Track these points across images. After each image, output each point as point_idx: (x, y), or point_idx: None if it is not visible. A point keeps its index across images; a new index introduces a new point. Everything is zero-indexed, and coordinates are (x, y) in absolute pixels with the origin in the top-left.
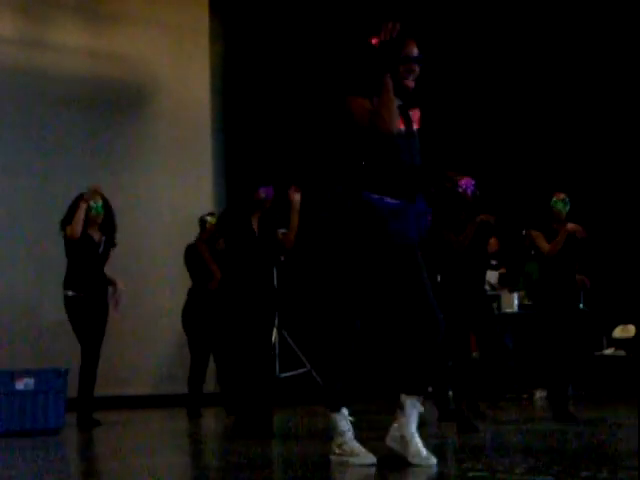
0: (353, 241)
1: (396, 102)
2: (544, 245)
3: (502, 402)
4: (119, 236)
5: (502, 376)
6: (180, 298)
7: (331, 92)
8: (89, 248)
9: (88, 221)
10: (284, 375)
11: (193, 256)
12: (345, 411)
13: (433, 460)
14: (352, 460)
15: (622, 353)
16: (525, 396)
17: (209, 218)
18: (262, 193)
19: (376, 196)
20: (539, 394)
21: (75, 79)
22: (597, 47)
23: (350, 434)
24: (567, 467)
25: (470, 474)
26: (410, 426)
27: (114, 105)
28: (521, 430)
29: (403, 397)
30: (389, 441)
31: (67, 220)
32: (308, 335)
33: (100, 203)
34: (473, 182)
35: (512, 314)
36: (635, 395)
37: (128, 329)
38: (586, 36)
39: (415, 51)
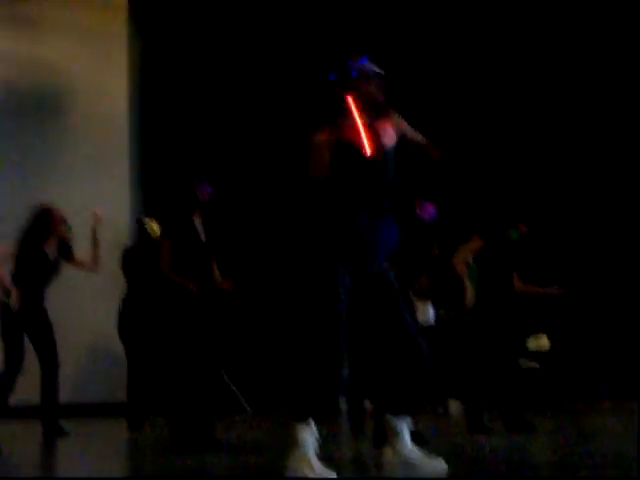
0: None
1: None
2: (463, 254)
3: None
4: None
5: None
6: (94, 303)
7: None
8: (41, 263)
9: (49, 234)
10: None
11: (131, 261)
12: (313, 424)
13: (442, 463)
14: (310, 475)
15: (535, 365)
16: (441, 408)
17: (153, 225)
18: (200, 190)
19: (352, 214)
20: (453, 405)
21: None
22: (589, 53)
23: (312, 449)
24: (476, 477)
25: None
26: (406, 443)
27: (30, 110)
28: (434, 443)
29: (392, 419)
30: (389, 463)
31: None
32: (290, 340)
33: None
34: (434, 208)
35: (427, 326)
36: (548, 406)
37: None
38: (579, 41)
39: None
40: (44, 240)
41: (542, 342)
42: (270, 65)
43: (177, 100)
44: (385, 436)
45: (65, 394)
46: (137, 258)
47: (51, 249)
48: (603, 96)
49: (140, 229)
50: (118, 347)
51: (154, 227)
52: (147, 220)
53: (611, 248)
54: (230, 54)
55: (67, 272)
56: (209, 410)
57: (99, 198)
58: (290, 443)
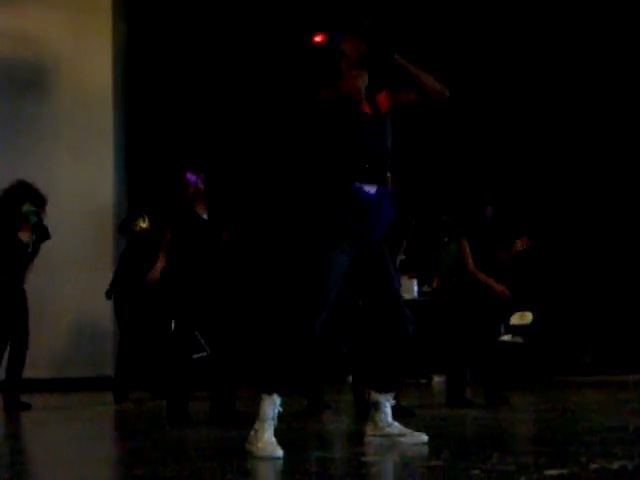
0: (334, 232)
1: (362, 88)
2: (469, 262)
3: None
4: None
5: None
6: (79, 282)
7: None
8: (17, 251)
9: (20, 224)
10: (196, 356)
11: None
12: (277, 398)
13: (424, 436)
14: (258, 452)
15: (519, 340)
16: (424, 381)
17: (142, 224)
18: (190, 180)
19: (356, 185)
20: (437, 379)
21: None
22: (589, 53)
23: (270, 423)
24: (457, 452)
25: (362, 459)
26: (388, 418)
27: (15, 84)
28: (418, 415)
29: (376, 395)
30: (371, 440)
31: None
32: (264, 317)
33: (32, 209)
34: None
35: (411, 300)
36: (532, 381)
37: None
38: (579, 41)
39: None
40: (18, 228)
41: (525, 317)
42: (255, 48)
43: (162, 82)
44: (367, 408)
45: (49, 369)
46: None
47: (25, 234)
48: (603, 96)
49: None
50: (101, 323)
51: (140, 223)
52: (142, 224)
53: (597, 225)
54: (216, 35)
55: (51, 250)
56: (226, 384)
57: (83, 180)
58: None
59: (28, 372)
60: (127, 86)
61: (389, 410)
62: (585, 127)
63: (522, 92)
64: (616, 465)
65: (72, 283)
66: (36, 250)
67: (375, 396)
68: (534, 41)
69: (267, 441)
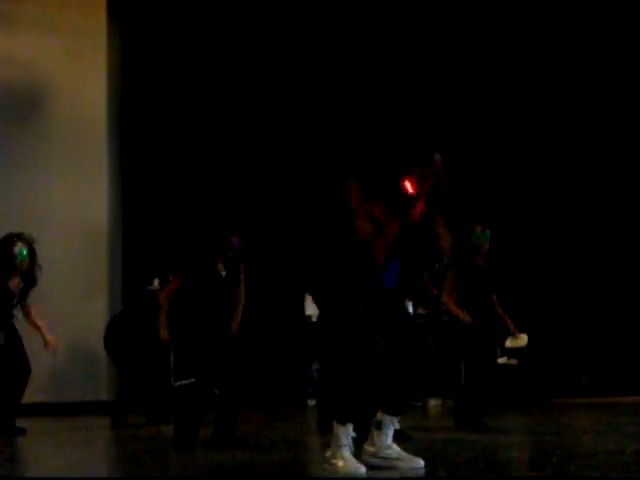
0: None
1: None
2: (445, 291)
3: None
4: None
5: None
6: (73, 307)
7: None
8: (4, 298)
9: (11, 269)
10: (178, 384)
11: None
12: (350, 427)
13: (420, 461)
14: (342, 469)
15: (515, 362)
16: (419, 404)
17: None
18: (233, 242)
19: None
20: (433, 402)
21: None
22: (590, 54)
23: (347, 449)
24: (453, 475)
25: None
26: (388, 440)
27: (7, 108)
28: (415, 438)
29: (381, 415)
30: (369, 460)
31: None
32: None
33: (25, 249)
34: None
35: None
36: (527, 403)
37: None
38: (579, 42)
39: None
40: (7, 277)
41: (520, 340)
42: (250, 62)
43: (156, 99)
44: (367, 432)
45: (45, 393)
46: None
47: (14, 282)
48: (602, 96)
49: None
50: (95, 346)
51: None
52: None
53: (590, 247)
54: (210, 52)
55: (45, 274)
56: (230, 408)
57: (76, 203)
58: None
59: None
60: (122, 109)
61: (391, 433)
62: (577, 142)
63: (517, 100)
64: None
65: (66, 308)
66: (23, 298)
67: (380, 416)
68: (533, 44)
69: (349, 459)
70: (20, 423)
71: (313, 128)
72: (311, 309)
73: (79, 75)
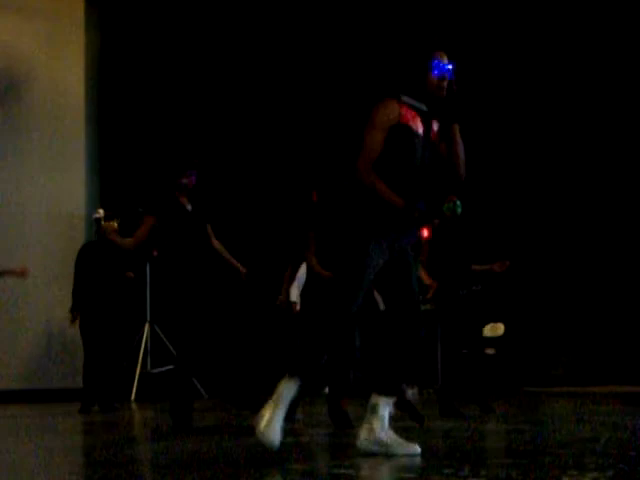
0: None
1: (422, 106)
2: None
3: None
4: None
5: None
6: (49, 294)
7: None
8: None
9: None
10: (156, 370)
11: (87, 257)
12: (296, 383)
13: (417, 447)
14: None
15: (492, 351)
16: None
17: (111, 224)
18: (187, 177)
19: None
20: (410, 391)
21: None
22: (590, 54)
23: (283, 407)
24: (429, 465)
25: (335, 471)
26: (384, 425)
27: None
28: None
29: (376, 398)
30: (363, 444)
31: None
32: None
33: None
34: None
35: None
36: (503, 392)
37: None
38: (580, 42)
39: (445, 62)
40: None
41: (497, 329)
42: (229, 57)
43: (135, 92)
44: (344, 420)
45: (22, 380)
46: (94, 254)
47: None
48: (602, 97)
49: (97, 228)
50: (72, 333)
51: (111, 225)
52: (102, 218)
53: (566, 240)
54: (188, 41)
55: (22, 261)
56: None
57: (54, 190)
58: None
59: None
60: (100, 96)
61: (387, 415)
62: (571, 140)
63: (514, 98)
64: (588, 477)
65: (42, 293)
66: None
67: (375, 399)
68: (533, 45)
69: (273, 427)
70: None
71: (299, 109)
72: (295, 295)
73: (57, 61)
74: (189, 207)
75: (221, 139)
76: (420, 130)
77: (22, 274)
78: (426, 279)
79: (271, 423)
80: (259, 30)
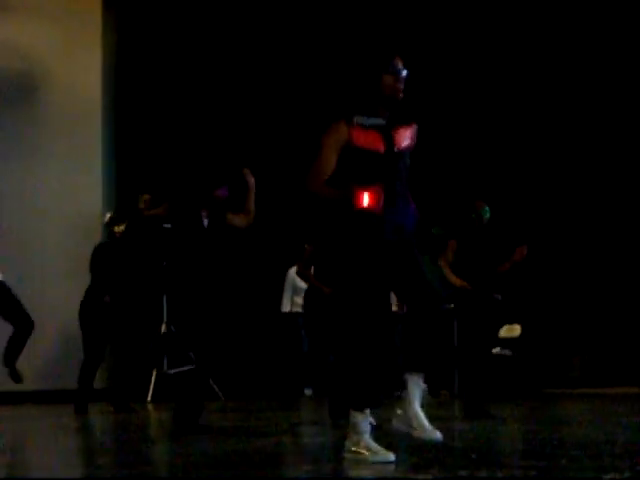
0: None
1: (378, 121)
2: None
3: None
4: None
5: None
6: (66, 293)
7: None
8: None
9: None
10: (173, 371)
11: (99, 258)
12: (368, 412)
13: (438, 435)
14: (371, 457)
15: (508, 352)
16: (399, 392)
17: (118, 227)
18: (219, 193)
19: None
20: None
21: None
22: (590, 54)
23: (367, 435)
24: (446, 466)
25: (347, 473)
26: (414, 403)
27: (2, 95)
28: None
29: (406, 376)
30: (395, 423)
31: None
32: (339, 332)
33: None
34: None
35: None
36: (520, 393)
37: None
38: (579, 42)
39: (401, 65)
40: None
41: (514, 330)
42: (245, 54)
43: (152, 93)
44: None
45: (39, 381)
46: (107, 255)
47: None
48: (601, 97)
49: (109, 230)
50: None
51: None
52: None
53: (581, 240)
54: (207, 47)
55: (39, 262)
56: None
57: (71, 192)
58: (347, 428)
59: (13, 384)
60: (116, 98)
61: (418, 395)
62: (574, 141)
63: (516, 93)
64: (605, 479)
65: (59, 294)
66: None
67: (405, 376)
68: (532, 43)
69: (377, 447)
70: (12, 411)
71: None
72: (288, 306)
73: (74, 62)
74: (206, 222)
75: (235, 143)
76: (381, 147)
77: None
78: (455, 280)
79: (374, 446)
80: (278, 31)
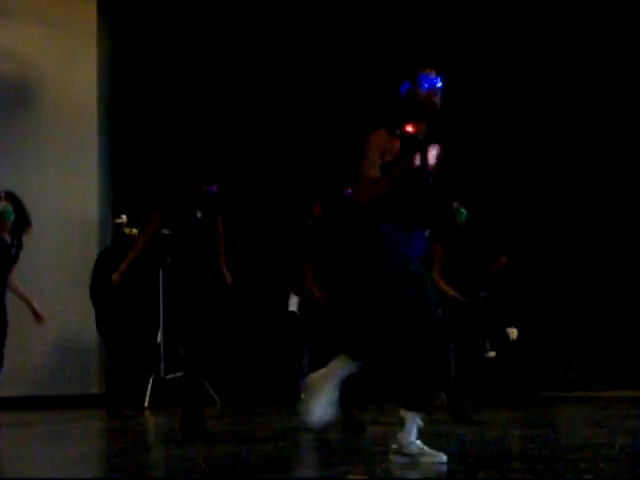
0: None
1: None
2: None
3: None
4: None
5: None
6: (63, 297)
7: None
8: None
9: None
10: (170, 377)
11: (106, 262)
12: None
13: (443, 456)
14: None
15: (492, 354)
16: None
17: (130, 230)
18: (210, 189)
19: (386, 226)
20: None
21: None
22: (590, 54)
23: (416, 436)
24: (443, 470)
25: (348, 477)
26: (411, 436)
27: None
28: None
29: (404, 412)
30: (395, 458)
31: None
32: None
33: (9, 208)
34: None
35: None
36: (517, 397)
37: (10, 330)
38: (579, 42)
39: (433, 76)
40: None
41: (511, 334)
42: (240, 58)
43: (147, 98)
44: (355, 424)
45: (33, 387)
46: (113, 259)
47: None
48: (601, 97)
49: (118, 232)
50: (86, 339)
51: (133, 232)
52: (131, 231)
53: (578, 243)
54: (200, 48)
55: (36, 265)
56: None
57: (67, 196)
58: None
59: (10, 390)
60: (112, 100)
61: (414, 429)
62: (573, 141)
63: (510, 94)
64: None
65: (56, 299)
66: (17, 255)
67: (403, 413)
68: (531, 43)
69: (427, 449)
70: (8, 417)
71: (310, 111)
72: (294, 305)
73: (70, 68)
74: (199, 214)
75: (232, 149)
76: (417, 162)
77: (37, 318)
78: (447, 290)
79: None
80: (266, 40)
